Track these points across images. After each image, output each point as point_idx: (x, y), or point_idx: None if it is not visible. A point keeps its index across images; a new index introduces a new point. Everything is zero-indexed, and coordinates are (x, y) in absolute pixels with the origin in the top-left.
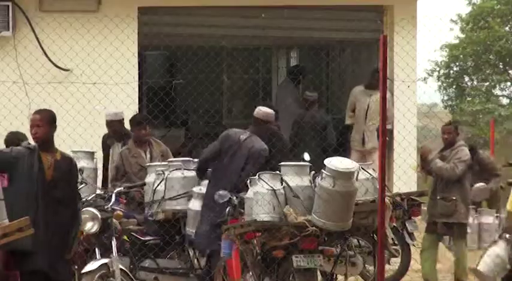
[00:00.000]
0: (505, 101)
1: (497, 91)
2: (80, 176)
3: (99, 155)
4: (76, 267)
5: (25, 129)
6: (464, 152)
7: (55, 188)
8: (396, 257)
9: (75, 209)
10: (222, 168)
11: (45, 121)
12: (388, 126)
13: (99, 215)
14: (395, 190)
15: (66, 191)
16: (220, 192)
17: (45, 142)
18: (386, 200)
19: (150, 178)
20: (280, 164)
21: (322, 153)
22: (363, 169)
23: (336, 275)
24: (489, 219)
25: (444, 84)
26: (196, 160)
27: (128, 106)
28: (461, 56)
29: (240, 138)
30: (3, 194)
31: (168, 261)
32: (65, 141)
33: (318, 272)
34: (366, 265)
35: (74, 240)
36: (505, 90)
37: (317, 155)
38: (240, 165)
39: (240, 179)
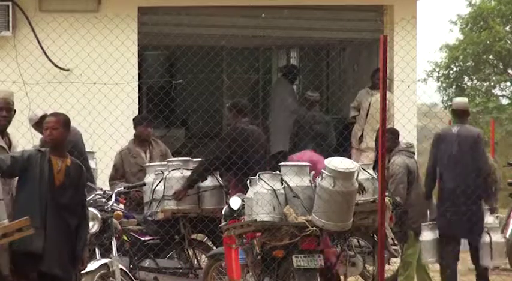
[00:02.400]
0: (505, 101)
1: (497, 91)
2: None
3: (98, 155)
4: None
5: (25, 129)
6: (396, 169)
7: (63, 194)
8: (396, 257)
9: (83, 217)
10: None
11: (60, 124)
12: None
13: (99, 215)
14: None
15: (74, 198)
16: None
17: (58, 145)
18: (386, 200)
19: (149, 178)
20: (280, 164)
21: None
22: (363, 169)
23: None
24: (489, 219)
25: (444, 85)
26: (197, 159)
27: (128, 106)
28: (461, 56)
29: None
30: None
31: (167, 261)
32: None
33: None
34: (366, 265)
35: (84, 250)
36: (505, 91)
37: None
38: (465, 152)
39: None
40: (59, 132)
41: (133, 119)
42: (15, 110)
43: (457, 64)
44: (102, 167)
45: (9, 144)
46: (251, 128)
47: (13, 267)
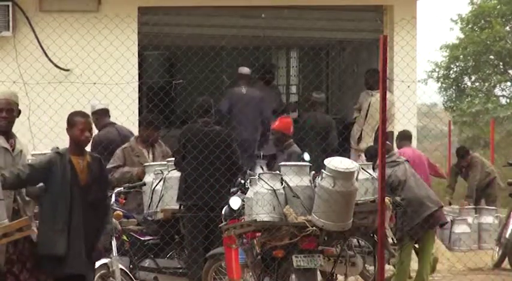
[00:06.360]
0: (505, 101)
1: (497, 91)
2: None
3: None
4: None
5: (25, 129)
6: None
7: (89, 192)
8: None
9: (106, 210)
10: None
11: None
12: (390, 129)
13: None
14: None
15: (99, 193)
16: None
17: (86, 145)
18: (386, 200)
19: (149, 178)
20: (280, 164)
21: (322, 153)
22: (363, 169)
23: (336, 275)
24: (489, 219)
25: (444, 85)
26: None
27: (128, 106)
28: (461, 56)
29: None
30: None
31: (167, 261)
32: (65, 141)
33: (318, 272)
34: (366, 265)
35: (102, 241)
36: (505, 91)
37: (317, 155)
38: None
39: None
40: (91, 132)
41: (141, 121)
42: (20, 111)
43: (457, 64)
44: None
45: (14, 147)
46: (196, 128)
47: (39, 270)
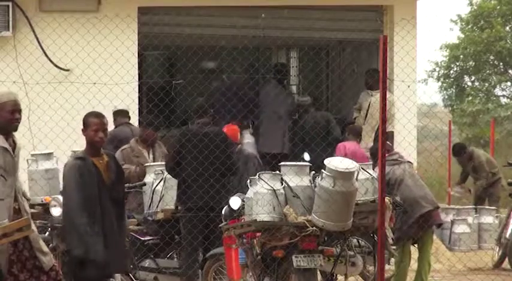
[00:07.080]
0: (505, 101)
1: (497, 91)
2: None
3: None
4: None
5: (25, 129)
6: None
7: (113, 190)
8: (396, 257)
9: (124, 206)
10: None
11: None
12: (390, 129)
13: None
14: None
15: (121, 190)
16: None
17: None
18: (386, 200)
19: (149, 178)
20: (280, 164)
21: (323, 153)
22: (362, 169)
23: (336, 275)
24: (489, 219)
25: (444, 85)
26: None
27: (127, 106)
28: (461, 56)
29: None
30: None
31: (167, 261)
32: (64, 141)
33: (318, 272)
34: (366, 265)
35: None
36: (505, 91)
37: (317, 155)
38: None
39: None
40: (106, 133)
41: (141, 121)
42: None
43: (457, 64)
44: None
45: (14, 146)
46: (196, 129)
47: (40, 270)
